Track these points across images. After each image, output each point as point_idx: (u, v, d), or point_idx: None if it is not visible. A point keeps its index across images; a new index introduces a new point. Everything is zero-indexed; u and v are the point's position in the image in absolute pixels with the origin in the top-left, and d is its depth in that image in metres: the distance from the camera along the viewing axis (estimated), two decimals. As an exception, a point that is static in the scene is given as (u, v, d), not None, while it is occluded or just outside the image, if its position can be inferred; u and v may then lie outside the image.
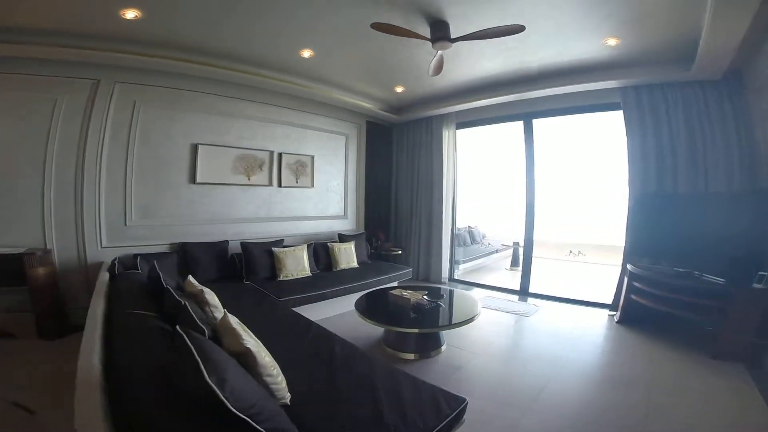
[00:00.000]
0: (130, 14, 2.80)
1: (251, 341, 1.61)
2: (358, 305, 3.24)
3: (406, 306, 3.16)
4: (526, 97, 4.58)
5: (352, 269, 4.70)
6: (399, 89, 4.96)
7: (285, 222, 4.79)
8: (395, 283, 4.76)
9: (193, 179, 4.01)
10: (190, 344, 1.19)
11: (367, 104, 5.33)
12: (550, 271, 6.88)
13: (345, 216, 5.52)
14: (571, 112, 4.61)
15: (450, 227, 5.81)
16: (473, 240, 7.45)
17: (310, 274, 4.33)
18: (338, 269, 4.65)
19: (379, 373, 1.87)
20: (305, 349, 2.23)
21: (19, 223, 3.18)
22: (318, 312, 3.70)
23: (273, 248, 4.14)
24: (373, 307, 3.30)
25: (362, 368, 1.93)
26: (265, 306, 3.14)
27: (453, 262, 6.01)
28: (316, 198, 5.15)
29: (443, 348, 3.20)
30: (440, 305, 3.26)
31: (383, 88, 4.97)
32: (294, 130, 4.87)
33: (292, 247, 4.29)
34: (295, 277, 4.16)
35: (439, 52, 2.90)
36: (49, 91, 3.27)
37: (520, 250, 5.56)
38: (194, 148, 4.01)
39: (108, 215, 3.56)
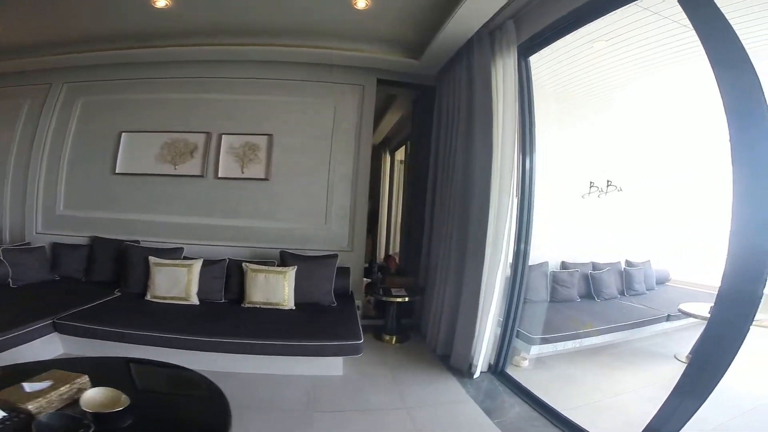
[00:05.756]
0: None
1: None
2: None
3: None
4: None
5: (272, 311, 2.97)
6: (361, 3, 2.81)
7: (226, 226, 3.59)
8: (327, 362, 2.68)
9: (113, 170, 3.58)
10: None
11: (351, 51, 3.39)
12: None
13: (325, 224, 3.65)
14: None
15: (503, 261, 2.74)
16: (628, 286, 3.39)
17: (195, 302, 3.00)
18: (248, 305, 3.03)
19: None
20: None
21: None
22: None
23: (150, 257, 3.08)
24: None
25: None
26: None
27: (510, 337, 2.86)
28: (274, 195, 3.62)
29: None
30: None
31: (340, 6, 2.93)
32: (243, 104, 3.68)
33: (173, 261, 3.08)
34: (166, 300, 2.98)
35: None
36: (16, 98, 3.84)
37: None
38: (118, 137, 3.60)
39: (44, 203, 3.72)
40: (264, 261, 3.25)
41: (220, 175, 3.57)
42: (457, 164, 3.16)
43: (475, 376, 2.80)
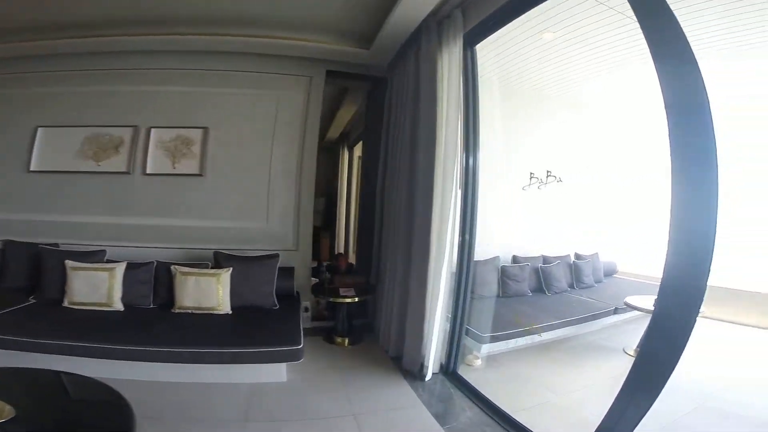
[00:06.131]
0: None
1: None
2: None
3: None
4: None
5: (205, 317, 2.76)
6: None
7: (155, 226, 3.30)
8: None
9: (27, 167, 3.25)
10: None
11: (295, 40, 3.20)
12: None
13: (267, 223, 3.44)
14: None
15: (446, 258, 2.62)
16: (578, 279, 3.40)
17: (119, 307, 2.76)
18: (178, 311, 2.79)
19: None
20: None
21: None
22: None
23: (67, 261, 2.79)
24: None
25: None
26: None
27: (459, 335, 2.75)
28: (209, 192, 3.37)
29: None
30: None
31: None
32: (176, 96, 3.40)
33: (92, 264, 2.81)
34: (86, 307, 2.72)
35: None
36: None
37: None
38: (33, 132, 3.26)
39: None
40: (197, 263, 3.01)
41: (148, 171, 3.28)
42: (403, 157, 3.03)
43: (426, 378, 2.67)
